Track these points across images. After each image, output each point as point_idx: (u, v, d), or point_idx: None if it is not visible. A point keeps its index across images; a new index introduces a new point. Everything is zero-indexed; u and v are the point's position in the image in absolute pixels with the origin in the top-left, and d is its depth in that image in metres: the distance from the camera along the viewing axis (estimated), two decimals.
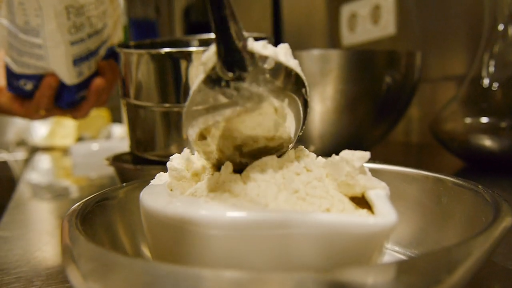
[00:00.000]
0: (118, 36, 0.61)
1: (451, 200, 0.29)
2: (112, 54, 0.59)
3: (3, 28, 0.52)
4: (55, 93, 0.56)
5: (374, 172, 0.26)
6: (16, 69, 0.53)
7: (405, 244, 0.31)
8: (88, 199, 0.28)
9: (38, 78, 0.54)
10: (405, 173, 0.32)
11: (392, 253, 0.31)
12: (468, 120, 0.63)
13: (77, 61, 0.53)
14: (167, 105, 0.47)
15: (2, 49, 0.56)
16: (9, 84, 0.55)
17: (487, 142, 0.60)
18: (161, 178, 0.29)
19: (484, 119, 0.61)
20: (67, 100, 0.57)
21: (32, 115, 0.60)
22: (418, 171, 0.32)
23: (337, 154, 0.25)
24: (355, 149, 0.26)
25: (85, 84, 0.57)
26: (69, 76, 0.53)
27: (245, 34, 0.22)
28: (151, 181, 0.29)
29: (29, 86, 0.54)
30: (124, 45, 0.55)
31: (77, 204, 0.27)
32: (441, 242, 0.26)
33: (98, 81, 0.58)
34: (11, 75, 0.54)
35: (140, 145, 0.52)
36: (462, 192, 0.28)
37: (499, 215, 0.22)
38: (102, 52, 0.58)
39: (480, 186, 0.27)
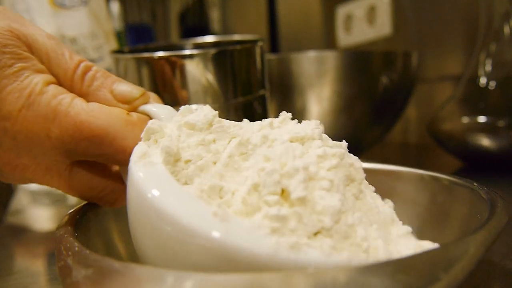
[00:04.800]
0: None
1: (447, 198, 0.29)
2: None
3: None
4: None
5: (369, 172, 0.26)
6: None
7: None
8: (82, 205, 0.28)
9: None
10: (401, 172, 0.32)
11: None
12: (465, 119, 0.63)
13: None
14: None
15: None
16: None
17: (485, 141, 0.60)
18: (148, 158, 0.24)
19: (482, 119, 0.61)
20: None
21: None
22: (413, 170, 0.32)
23: None
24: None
25: None
26: None
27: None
28: (132, 159, 0.24)
29: None
30: (118, 50, 0.55)
31: (71, 211, 0.27)
32: (438, 240, 0.25)
33: None
34: None
35: None
36: (458, 190, 0.28)
37: (495, 212, 0.22)
38: None
39: (475, 184, 0.27)
